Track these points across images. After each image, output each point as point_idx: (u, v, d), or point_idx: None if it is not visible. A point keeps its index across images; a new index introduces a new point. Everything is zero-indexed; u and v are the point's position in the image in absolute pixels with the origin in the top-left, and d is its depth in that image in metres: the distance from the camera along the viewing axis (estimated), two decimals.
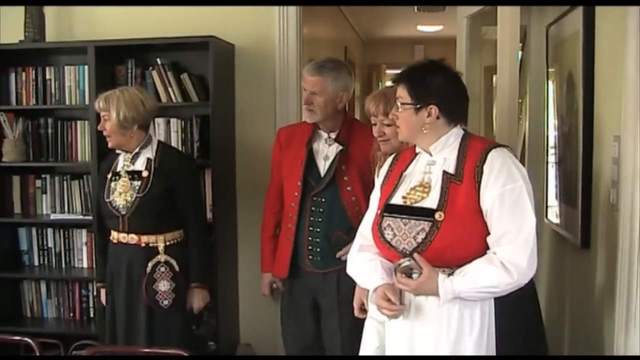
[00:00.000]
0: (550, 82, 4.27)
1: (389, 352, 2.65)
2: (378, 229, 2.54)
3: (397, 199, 2.55)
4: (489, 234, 2.42)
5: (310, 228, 3.45)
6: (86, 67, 4.37)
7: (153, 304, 3.53)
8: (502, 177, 2.41)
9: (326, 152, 3.48)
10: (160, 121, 4.33)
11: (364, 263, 2.63)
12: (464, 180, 2.45)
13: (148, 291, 3.52)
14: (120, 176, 3.57)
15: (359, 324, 2.96)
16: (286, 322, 3.67)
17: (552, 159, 4.18)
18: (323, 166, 3.46)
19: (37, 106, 4.57)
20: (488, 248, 2.43)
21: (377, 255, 2.60)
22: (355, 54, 9.56)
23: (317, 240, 3.44)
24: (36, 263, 4.70)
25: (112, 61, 4.40)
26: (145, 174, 3.53)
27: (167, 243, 3.56)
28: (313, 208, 3.45)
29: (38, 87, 4.56)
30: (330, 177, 3.41)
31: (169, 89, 4.28)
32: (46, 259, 4.68)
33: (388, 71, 10.97)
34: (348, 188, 3.41)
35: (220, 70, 4.24)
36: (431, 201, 2.46)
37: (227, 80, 4.44)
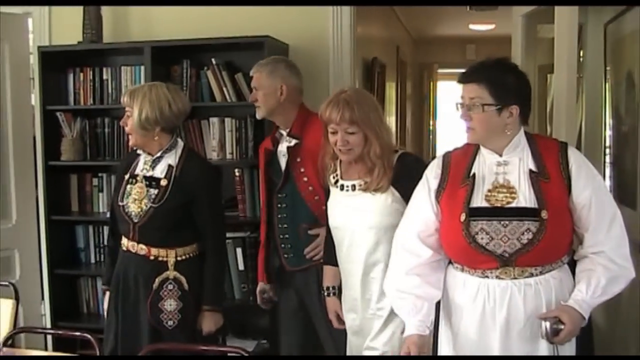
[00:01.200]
0: (607, 81, 4.20)
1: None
2: (466, 235, 2.45)
3: (479, 202, 2.49)
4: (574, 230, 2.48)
5: (279, 226, 3.48)
6: (142, 67, 4.44)
7: (157, 323, 3.26)
8: (591, 174, 2.47)
9: (284, 149, 3.48)
10: (215, 121, 4.35)
11: (409, 297, 2.58)
12: (551, 177, 2.45)
13: (152, 309, 3.26)
14: (137, 180, 3.33)
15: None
16: (275, 329, 3.65)
17: (607, 159, 4.12)
18: (283, 163, 3.47)
19: (94, 106, 4.64)
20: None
21: (425, 286, 2.57)
22: (406, 53, 9.52)
23: (287, 236, 3.45)
24: (92, 260, 4.77)
25: (167, 61, 4.44)
26: (164, 182, 3.27)
27: (179, 258, 3.28)
28: (279, 205, 3.47)
29: (95, 87, 4.63)
30: (287, 171, 3.42)
31: (224, 88, 4.31)
32: (102, 256, 4.72)
33: (440, 70, 10.89)
34: (304, 179, 3.39)
35: None
36: (526, 200, 2.44)
37: None
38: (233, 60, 4.39)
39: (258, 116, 3.57)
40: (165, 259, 3.27)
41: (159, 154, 3.33)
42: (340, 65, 4.45)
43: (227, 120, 4.38)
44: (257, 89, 3.50)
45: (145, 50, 4.31)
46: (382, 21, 7.50)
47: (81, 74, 4.64)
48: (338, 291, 3.16)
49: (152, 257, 3.28)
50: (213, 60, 4.34)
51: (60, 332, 3.71)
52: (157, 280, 3.27)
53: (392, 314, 2.84)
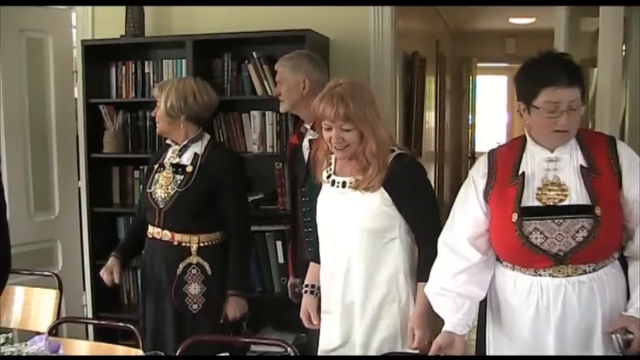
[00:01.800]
0: None
1: None
2: (520, 235, 2.42)
3: (531, 201, 2.45)
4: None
5: (303, 220, 3.43)
6: (184, 61, 4.46)
7: (181, 306, 3.40)
8: None
9: (307, 142, 3.43)
10: (255, 114, 4.36)
11: (451, 295, 2.54)
12: (602, 173, 2.43)
13: (177, 293, 3.40)
14: (164, 168, 3.50)
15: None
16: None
17: None
18: (307, 157, 3.40)
19: (136, 99, 4.68)
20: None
21: (470, 285, 2.54)
22: (446, 47, 9.47)
23: (310, 230, 3.33)
24: None
25: (208, 55, 4.46)
26: (189, 169, 3.44)
27: (201, 244, 3.41)
28: (302, 199, 3.43)
29: (137, 81, 4.67)
30: (308, 165, 3.33)
31: (265, 82, 4.32)
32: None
33: (479, 65, 10.80)
34: None
35: None
36: (578, 197, 2.41)
37: None
38: (274, 53, 4.38)
39: (282, 110, 3.58)
40: (188, 244, 3.41)
41: (185, 143, 3.49)
42: (381, 59, 4.43)
43: (268, 113, 4.39)
44: (281, 83, 3.51)
45: (187, 44, 4.33)
46: (422, 15, 7.47)
47: (123, 68, 4.69)
48: (317, 290, 3.04)
49: (175, 243, 3.41)
50: (254, 53, 4.35)
51: (103, 322, 3.75)
52: (180, 266, 3.40)
53: (374, 320, 2.80)
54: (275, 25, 4.29)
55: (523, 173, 2.49)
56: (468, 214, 2.58)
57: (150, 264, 3.52)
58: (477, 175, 2.59)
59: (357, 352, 2.83)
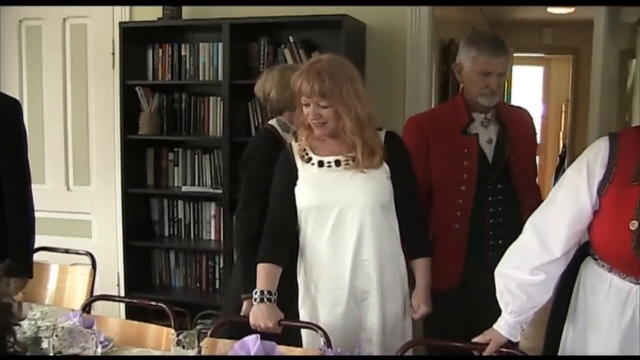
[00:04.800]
0: None
1: None
2: (636, 247, 2.10)
3: None
4: None
5: None
6: (220, 44, 4.48)
7: None
8: None
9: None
10: None
11: (522, 296, 2.31)
12: None
13: None
14: None
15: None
16: None
17: None
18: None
19: (172, 81, 4.72)
20: None
21: (543, 289, 2.30)
22: None
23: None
24: (166, 233, 4.87)
25: (245, 39, 4.48)
26: None
27: None
28: None
29: (174, 63, 4.70)
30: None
31: (302, 66, 4.31)
32: (176, 229, 4.84)
33: (515, 54, 10.68)
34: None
35: (351, 49, 4.23)
36: None
37: (358, 60, 4.42)
38: (310, 38, 4.40)
39: (493, 104, 3.21)
40: None
41: None
42: (417, 46, 4.40)
43: None
44: (503, 75, 3.11)
45: (224, 27, 4.34)
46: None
47: (160, 50, 4.72)
48: (274, 297, 2.71)
49: None
50: (290, 38, 4.35)
51: (136, 301, 3.79)
52: None
53: (383, 298, 2.74)
54: (312, 10, 4.29)
55: None
56: (573, 205, 2.25)
57: None
58: (596, 162, 2.21)
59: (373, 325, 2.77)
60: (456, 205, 3.05)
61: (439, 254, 2.98)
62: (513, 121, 3.18)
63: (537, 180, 3.38)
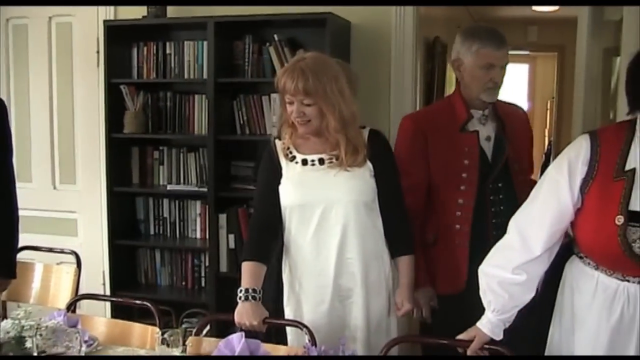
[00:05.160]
0: None
1: None
2: (623, 242, 2.10)
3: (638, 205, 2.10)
4: None
5: None
6: (205, 42, 4.46)
7: None
8: None
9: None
10: (276, 97, 4.34)
11: (504, 295, 2.31)
12: None
13: None
14: None
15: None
16: None
17: None
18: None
19: (157, 80, 4.70)
20: None
21: (525, 288, 2.30)
22: None
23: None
24: (152, 232, 4.85)
25: (230, 37, 4.47)
26: None
27: None
28: None
29: (158, 62, 4.68)
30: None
31: (285, 64, 4.30)
32: (161, 228, 4.82)
33: None
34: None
35: (336, 47, 4.23)
36: None
37: (343, 58, 4.39)
38: (295, 36, 4.40)
39: (494, 100, 3.19)
40: None
41: None
42: (402, 44, 4.41)
43: None
44: (504, 68, 3.10)
45: (209, 25, 4.33)
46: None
47: (145, 48, 4.70)
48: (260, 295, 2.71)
49: None
50: (275, 36, 4.34)
51: (121, 299, 3.78)
52: None
53: (367, 296, 2.76)
54: (297, 9, 4.28)
55: (633, 170, 2.15)
56: (554, 203, 2.26)
57: None
58: (578, 160, 2.21)
59: (357, 321, 2.78)
60: (457, 205, 3.01)
61: (442, 257, 2.99)
62: (510, 117, 3.16)
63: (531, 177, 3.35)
